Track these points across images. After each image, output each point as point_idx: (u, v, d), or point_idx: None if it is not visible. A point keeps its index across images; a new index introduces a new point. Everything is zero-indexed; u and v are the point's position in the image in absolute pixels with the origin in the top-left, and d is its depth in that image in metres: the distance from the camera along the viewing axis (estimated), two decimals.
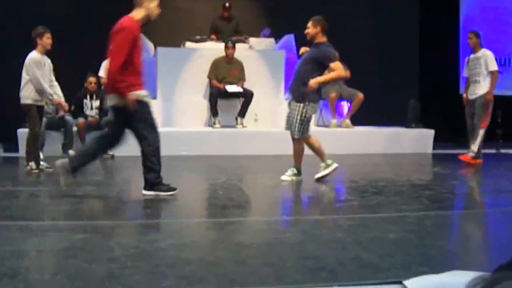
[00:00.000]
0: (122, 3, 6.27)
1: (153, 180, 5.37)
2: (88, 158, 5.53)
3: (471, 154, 8.11)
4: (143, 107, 5.24)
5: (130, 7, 5.33)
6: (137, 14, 5.28)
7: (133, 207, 5.34)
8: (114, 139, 5.49)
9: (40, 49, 6.94)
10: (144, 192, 5.40)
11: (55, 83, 7.24)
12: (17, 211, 4.77)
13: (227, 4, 10.72)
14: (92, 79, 8.91)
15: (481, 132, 8.14)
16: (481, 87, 8.13)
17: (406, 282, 2.79)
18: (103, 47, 9.13)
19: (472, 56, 8.37)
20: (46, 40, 6.93)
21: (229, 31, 10.62)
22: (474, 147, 8.13)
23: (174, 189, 5.44)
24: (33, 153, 6.96)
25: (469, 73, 8.36)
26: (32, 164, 6.91)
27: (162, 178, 5.42)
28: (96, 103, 8.91)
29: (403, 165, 6.42)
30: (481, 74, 8.15)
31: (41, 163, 7.04)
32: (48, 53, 7.11)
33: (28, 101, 6.88)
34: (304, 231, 4.19)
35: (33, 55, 6.91)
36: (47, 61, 7.09)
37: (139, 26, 5.25)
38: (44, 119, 7.76)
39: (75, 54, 9.85)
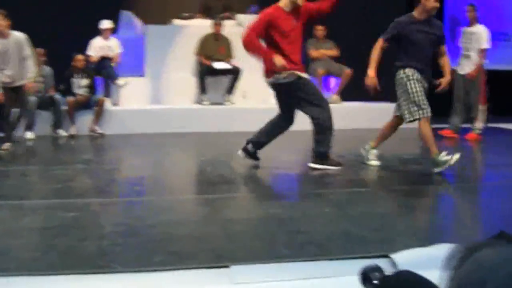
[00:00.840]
0: None
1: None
2: (266, 138, 5.82)
3: (476, 132, 8.19)
4: (301, 84, 5.49)
5: None
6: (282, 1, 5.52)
7: (122, 184, 5.35)
8: (284, 119, 5.73)
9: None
10: (311, 165, 5.63)
11: (28, 63, 6.89)
12: (7, 190, 4.77)
13: None
14: (80, 56, 8.83)
15: (482, 108, 8.28)
16: (473, 63, 8.13)
17: (394, 256, 2.84)
18: (90, 26, 9.02)
19: (468, 29, 8.31)
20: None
21: (219, 7, 10.54)
22: (478, 124, 8.22)
23: (340, 165, 5.65)
24: (8, 132, 6.87)
25: (463, 45, 8.34)
26: (7, 145, 6.81)
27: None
28: (85, 81, 8.85)
29: (391, 139, 6.43)
30: (472, 49, 8.14)
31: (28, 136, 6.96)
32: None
33: None
34: (292, 206, 4.23)
35: None
36: (11, 41, 6.75)
37: (275, 11, 5.44)
38: (34, 98, 7.70)
39: (62, 33, 9.75)
